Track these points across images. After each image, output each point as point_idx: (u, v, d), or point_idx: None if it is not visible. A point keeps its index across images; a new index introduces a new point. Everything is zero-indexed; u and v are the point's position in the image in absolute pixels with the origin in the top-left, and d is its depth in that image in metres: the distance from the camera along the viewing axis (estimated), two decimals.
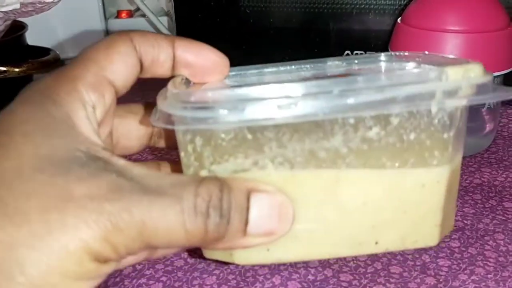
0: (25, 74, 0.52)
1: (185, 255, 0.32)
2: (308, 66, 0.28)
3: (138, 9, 0.77)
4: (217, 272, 0.30)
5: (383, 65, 0.28)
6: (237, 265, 0.31)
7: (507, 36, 0.40)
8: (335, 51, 0.57)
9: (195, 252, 0.32)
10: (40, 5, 0.49)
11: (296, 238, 0.22)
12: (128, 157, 0.22)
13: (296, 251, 0.23)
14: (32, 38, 0.61)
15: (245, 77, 0.27)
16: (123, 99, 0.23)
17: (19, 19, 0.55)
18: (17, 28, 0.57)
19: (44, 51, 0.58)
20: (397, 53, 0.28)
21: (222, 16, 0.59)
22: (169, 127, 0.20)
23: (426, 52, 0.27)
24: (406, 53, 0.28)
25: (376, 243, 0.23)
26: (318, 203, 0.22)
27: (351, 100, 0.19)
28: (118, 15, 0.79)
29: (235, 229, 0.20)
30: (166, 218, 0.18)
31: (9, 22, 0.55)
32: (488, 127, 0.44)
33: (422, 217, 0.22)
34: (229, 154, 0.21)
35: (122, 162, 0.19)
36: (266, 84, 0.21)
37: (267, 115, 0.19)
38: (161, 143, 0.28)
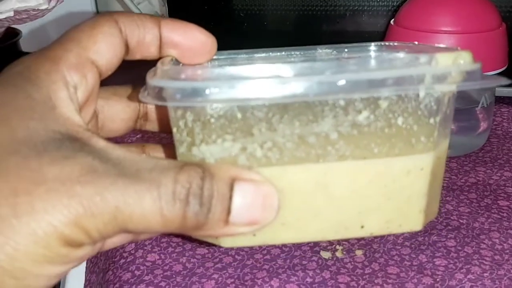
0: None
1: (184, 259, 0.32)
2: (298, 52, 0.28)
3: None
4: (215, 276, 0.30)
5: (373, 54, 0.29)
6: (234, 269, 0.31)
7: (498, 36, 0.41)
8: None
9: (194, 257, 0.32)
10: (34, 12, 0.49)
11: (282, 225, 0.22)
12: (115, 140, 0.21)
13: (282, 236, 0.23)
14: (26, 44, 0.61)
15: (235, 60, 0.28)
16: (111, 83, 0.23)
17: (13, 26, 0.55)
18: (11, 35, 0.57)
19: None
20: (387, 43, 0.29)
21: (216, 19, 0.59)
22: (158, 103, 0.20)
23: (416, 43, 0.28)
24: (396, 43, 0.28)
25: (362, 227, 0.23)
26: (306, 192, 0.22)
27: (341, 82, 0.19)
28: None
29: (216, 218, 0.19)
30: (142, 204, 0.18)
31: (3, 29, 0.55)
32: (482, 126, 0.44)
33: (406, 203, 0.23)
34: (218, 135, 0.21)
35: (102, 143, 0.19)
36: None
37: (257, 94, 0.19)
38: (147, 126, 0.27)
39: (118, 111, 0.26)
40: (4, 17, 0.49)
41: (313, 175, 0.22)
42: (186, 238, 0.34)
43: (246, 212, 0.20)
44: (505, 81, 0.21)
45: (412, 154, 0.22)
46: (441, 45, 0.25)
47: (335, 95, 0.20)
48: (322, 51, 0.28)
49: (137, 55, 0.23)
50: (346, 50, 0.29)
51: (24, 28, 0.59)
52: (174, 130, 0.22)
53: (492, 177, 0.40)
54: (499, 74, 0.41)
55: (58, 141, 0.18)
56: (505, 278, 0.29)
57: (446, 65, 0.21)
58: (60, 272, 0.18)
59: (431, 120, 0.22)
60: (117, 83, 0.25)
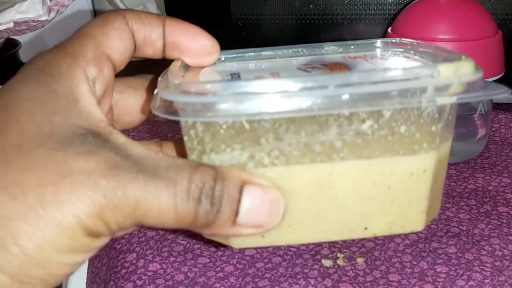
0: None
1: (186, 269, 0.32)
2: (305, 50, 0.29)
3: None
4: (217, 285, 0.30)
5: (378, 52, 0.29)
6: (235, 278, 0.31)
7: (495, 43, 0.41)
8: None
9: (196, 266, 0.32)
10: (33, 24, 0.50)
11: (289, 227, 0.23)
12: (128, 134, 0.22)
13: (289, 237, 0.23)
14: (25, 55, 0.61)
15: (243, 60, 0.28)
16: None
17: (13, 37, 0.55)
18: (11, 46, 0.58)
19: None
20: (392, 40, 0.29)
21: (214, 28, 0.59)
22: (169, 117, 0.20)
23: (418, 42, 0.28)
24: (399, 40, 0.29)
25: (365, 228, 0.23)
26: (311, 194, 0.23)
27: (345, 96, 0.20)
28: None
29: (225, 218, 0.20)
30: (159, 200, 0.19)
31: (2, 40, 0.55)
32: (480, 132, 0.45)
33: (409, 205, 0.23)
34: (227, 144, 0.22)
35: (122, 139, 0.20)
36: (262, 70, 0.21)
37: (264, 109, 0.20)
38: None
39: (133, 104, 0.26)
40: (3, 28, 0.50)
41: (318, 176, 0.22)
42: (197, 237, 0.34)
43: (253, 215, 0.21)
44: (506, 91, 0.21)
45: (415, 157, 0.22)
46: (443, 49, 0.25)
47: (339, 109, 0.21)
48: (329, 48, 0.29)
49: (143, 53, 0.24)
50: (352, 47, 0.29)
51: (23, 39, 0.60)
52: (185, 138, 0.23)
53: (491, 183, 0.40)
54: (496, 81, 0.41)
55: (81, 136, 0.19)
56: (506, 284, 0.29)
57: (447, 76, 0.21)
58: (80, 261, 0.19)
59: (433, 128, 0.22)
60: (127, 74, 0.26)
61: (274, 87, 0.20)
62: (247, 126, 0.22)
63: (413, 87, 0.20)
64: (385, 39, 0.29)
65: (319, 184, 0.22)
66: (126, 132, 0.22)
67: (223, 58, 0.28)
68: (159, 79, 0.23)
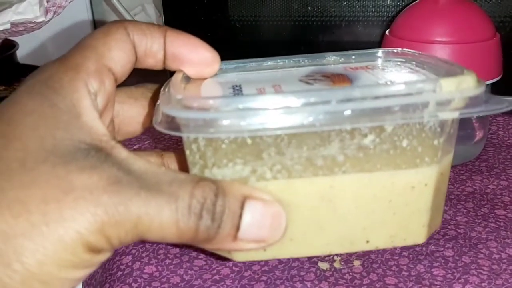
0: None
1: (181, 271, 0.32)
2: (306, 60, 0.29)
3: None
4: None
5: (379, 62, 0.29)
6: (231, 281, 0.31)
7: (493, 46, 0.41)
8: None
9: (191, 269, 0.32)
10: (30, 25, 0.49)
11: (290, 240, 0.23)
12: (129, 144, 0.22)
13: (291, 250, 0.23)
14: (22, 56, 0.61)
15: (244, 70, 0.28)
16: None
17: (10, 38, 0.55)
18: (8, 47, 0.57)
19: (33, 69, 0.58)
20: (393, 50, 0.29)
21: (212, 30, 0.59)
22: (171, 133, 0.20)
23: (420, 53, 0.28)
24: (401, 50, 0.29)
25: (367, 242, 0.23)
26: (313, 208, 0.22)
27: (347, 112, 0.20)
28: None
29: (226, 233, 0.20)
30: (161, 215, 0.19)
31: None
32: (478, 135, 0.44)
33: (411, 218, 0.23)
34: (229, 159, 0.22)
35: (124, 154, 0.20)
36: (264, 82, 0.21)
37: (266, 125, 0.20)
38: None
39: (134, 115, 0.26)
40: (1, 29, 0.49)
41: (319, 189, 0.22)
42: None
43: (255, 230, 0.21)
44: (509, 106, 0.21)
45: (417, 170, 0.22)
46: (445, 61, 0.25)
47: (341, 125, 0.21)
48: (330, 58, 0.29)
49: (144, 64, 0.24)
50: (353, 57, 0.29)
51: (20, 40, 0.60)
52: (187, 152, 0.23)
53: (489, 186, 0.40)
54: (493, 84, 0.41)
55: (84, 151, 0.19)
56: None
57: (450, 91, 0.21)
58: (81, 276, 0.19)
59: (435, 142, 0.22)
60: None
61: (276, 102, 0.20)
62: (249, 141, 0.22)
63: (415, 102, 0.20)
64: (386, 49, 0.29)
65: (321, 197, 0.22)
66: (128, 144, 0.22)
67: (224, 68, 0.28)
68: (161, 91, 0.23)
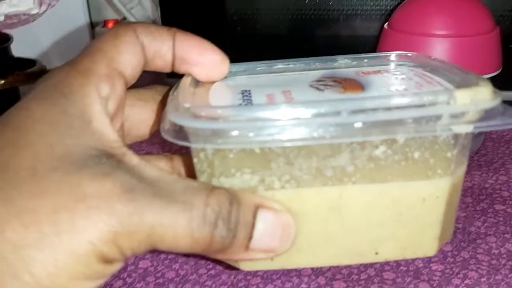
0: (11, 86, 0.51)
1: (177, 266, 0.31)
2: (317, 63, 0.28)
3: (124, 18, 0.77)
4: (209, 283, 0.30)
5: (392, 66, 0.28)
6: (227, 275, 0.30)
7: (492, 39, 0.41)
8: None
9: (186, 263, 0.32)
10: (24, 17, 0.49)
11: (298, 250, 0.22)
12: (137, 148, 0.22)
13: (298, 261, 0.23)
14: (17, 48, 0.60)
15: (253, 73, 0.27)
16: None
17: (4, 30, 0.55)
18: (2, 39, 0.57)
19: (30, 62, 0.58)
20: (407, 54, 0.28)
21: (209, 23, 0.59)
22: (179, 142, 0.20)
23: (434, 57, 0.27)
24: (413, 54, 0.28)
25: (376, 253, 0.23)
26: (321, 218, 0.22)
27: (358, 124, 0.19)
28: (104, 24, 0.79)
29: (239, 243, 0.20)
30: (175, 225, 0.18)
31: None
32: None
33: (421, 230, 0.23)
34: (236, 168, 0.21)
35: (136, 160, 0.19)
36: (274, 87, 0.21)
37: (275, 137, 0.19)
38: None
39: (144, 118, 0.26)
40: None
41: (328, 199, 0.22)
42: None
43: (266, 240, 0.21)
44: None
45: (428, 182, 0.22)
46: (458, 69, 0.24)
47: (352, 137, 0.20)
48: (342, 62, 0.28)
49: (153, 66, 0.23)
50: (366, 60, 0.28)
51: (15, 33, 0.59)
52: (195, 160, 0.22)
53: (488, 181, 0.40)
54: (492, 78, 0.41)
55: (95, 158, 0.18)
56: (502, 283, 0.29)
57: (464, 103, 0.20)
58: (93, 287, 0.18)
59: (449, 154, 0.22)
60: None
61: (286, 113, 0.19)
62: (257, 150, 0.21)
63: (429, 114, 0.20)
64: (399, 52, 0.28)
65: (329, 208, 0.22)
66: (137, 148, 0.22)
67: (233, 71, 0.27)
68: (169, 96, 0.22)
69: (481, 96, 0.20)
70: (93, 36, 0.78)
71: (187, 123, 0.20)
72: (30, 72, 0.55)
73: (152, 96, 0.26)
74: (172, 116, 0.20)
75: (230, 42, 0.58)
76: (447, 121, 0.20)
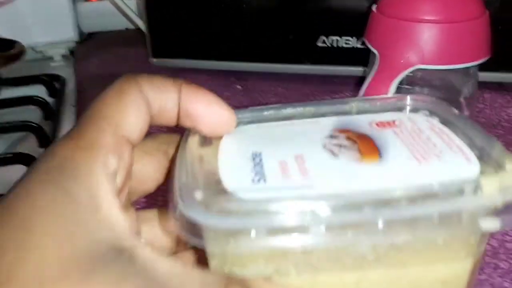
0: None
1: None
2: (327, 107, 0.26)
3: None
4: None
5: (406, 114, 0.26)
6: None
7: (481, 25, 0.40)
8: (310, 35, 0.57)
9: None
10: None
11: None
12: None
13: None
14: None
15: (261, 120, 0.26)
16: None
17: None
18: None
19: (8, 43, 0.56)
20: (423, 98, 0.26)
21: (197, 10, 0.57)
22: (192, 241, 0.19)
23: (449, 106, 0.26)
24: (430, 99, 0.26)
25: None
26: None
27: (381, 224, 0.19)
28: None
29: None
30: None
31: None
32: (465, 113, 0.44)
33: None
34: (250, 261, 0.20)
35: (147, 254, 0.18)
36: (286, 150, 0.21)
37: (293, 244, 0.19)
38: None
39: (150, 172, 0.25)
40: None
41: (345, 284, 0.21)
42: None
43: None
44: None
45: (450, 265, 0.21)
46: (475, 124, 0.23)
47: (374, 236, 0.19)
48: (354, 104, 0.26)
49: (157, 122, 0.22)
50: (378, 103, 0.27)
51: None
52: (207, 244, 0.21)
53: None
54: (482, 64, 0.40)
55: (105, 256, 0.17)
56: (487, 284, 0.29)
57: (491, 194, 0.19)
58: None
59: (472, 240, 0.21)
60: None
61: (302, 207, 0.19)
62: None
63: (457, 210, 0.19)
64: (414, 96, 0.26)
65: None
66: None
67: (239, 117, 0.25)
68: (177, 159, 0.21)
69: (508, 181, 0.19)
70: (75, 10, 0.76)
71: (200, 218, 0.19)
72: (9, 55, 0.53)
73: (157, 148, 0.25)
74: (184, 209, 0.19)
75: (214, 19, 0.57)
76: (474, 216, 0.19)
